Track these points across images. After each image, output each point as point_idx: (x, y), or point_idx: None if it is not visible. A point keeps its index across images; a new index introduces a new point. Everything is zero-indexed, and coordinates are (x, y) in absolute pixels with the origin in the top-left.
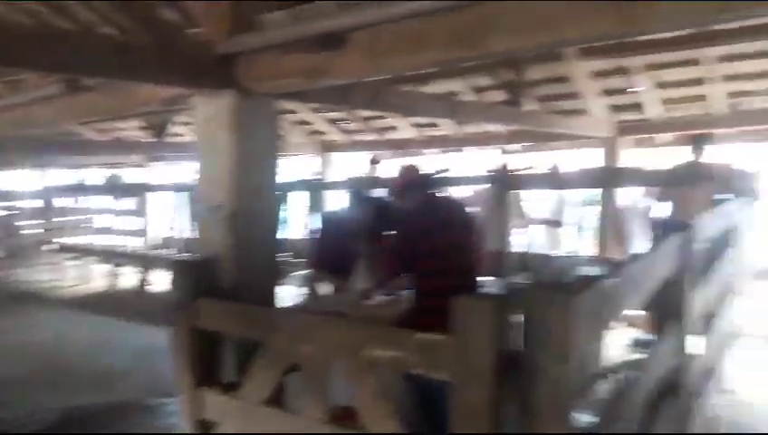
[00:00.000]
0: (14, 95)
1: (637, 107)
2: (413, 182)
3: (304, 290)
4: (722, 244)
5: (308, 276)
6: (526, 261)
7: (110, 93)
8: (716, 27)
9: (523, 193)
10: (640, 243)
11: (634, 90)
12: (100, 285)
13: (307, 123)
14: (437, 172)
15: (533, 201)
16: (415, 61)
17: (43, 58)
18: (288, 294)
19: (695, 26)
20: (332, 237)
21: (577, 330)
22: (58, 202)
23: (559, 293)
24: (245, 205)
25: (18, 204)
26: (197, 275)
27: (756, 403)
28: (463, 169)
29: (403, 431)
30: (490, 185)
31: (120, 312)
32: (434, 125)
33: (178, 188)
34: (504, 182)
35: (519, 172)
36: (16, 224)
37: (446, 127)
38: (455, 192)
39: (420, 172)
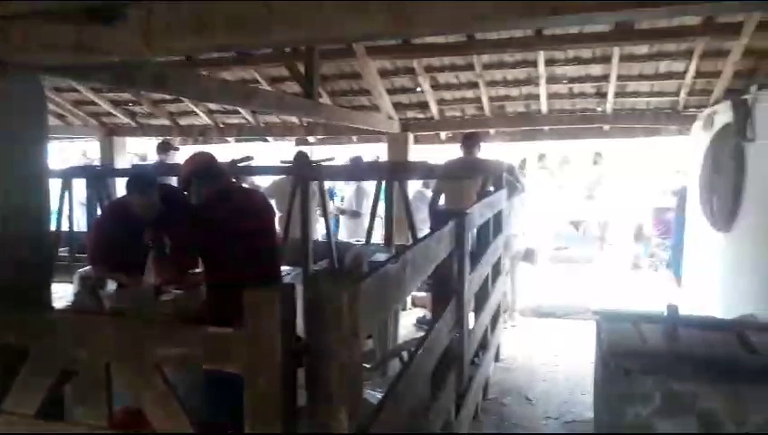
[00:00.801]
0: None
1: (420, 106)
2: (203, 170)
3: (84, 288)
4: (492, 230)
5: (88, 273)
6: (327, 249)
7: None
8: (484, 37)
9: (324, 183)
10: (424, 230)
11: (419, 89)
12: None
13: (90, 103)
14: (238, 160)
15: (335, 191)
16: (193, 43)
17: None
18: (66, 294)
19: (459, 32)
20: (116, 230)
21: (364, 313)
22: None
23: (345, 279)
24: (5, 194)
25: None
26: None
27: (521, 367)
28: (265, 158)
29: (193, 429)
30: (290, 175)
31: None
32: (233, 112)
33: None
34: (305, 173)
35: (319, 163)
36: None
37: (245, 115)
38: (256, 181)
39: (212, 160)
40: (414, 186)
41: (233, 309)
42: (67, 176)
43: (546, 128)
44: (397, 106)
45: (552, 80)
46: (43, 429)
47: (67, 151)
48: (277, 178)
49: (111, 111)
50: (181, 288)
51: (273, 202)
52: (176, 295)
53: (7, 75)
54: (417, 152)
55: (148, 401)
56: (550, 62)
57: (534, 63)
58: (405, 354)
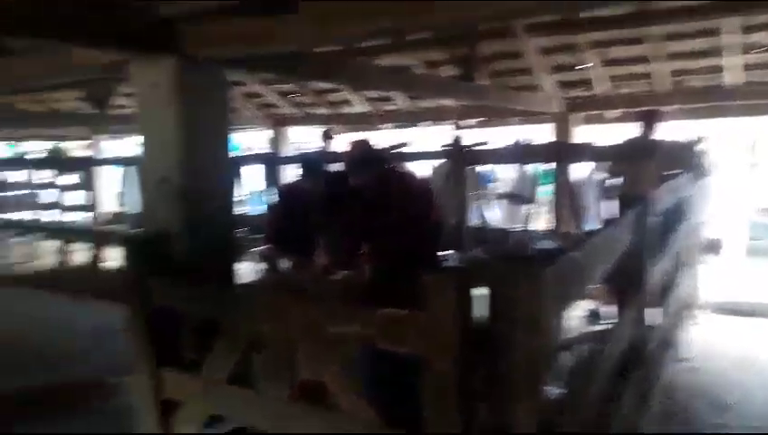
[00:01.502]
0: None
1: (586, 83)
2: (366, 156)
3: (263, 267)
4: (674, 217)
5: (265, 253)
6: (484, 235)
7: (38, 58)
8: (658, 7)
9: (482, 167)
10: (594, 217)
11: (582, 66)
12: (50, 262)
13: (258, 96)
14: (394, 147)
15: (495, 175)
16: (365, 29)
17: None
18: (247, 272)
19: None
20: (289, 212)
21: (546, 303)
22: None
23: (528, 266)
24: (195, 179)
25: None
26: (149, 252)
27: (709, 369)
28: (420, 143)
29: (370, 407)
30: (447, 160)
31: (73, 289)
32: (388, 99)
33: (127, 162)
34: (461, 157)
35: (475, 147)
36: None
37: (400, 101)
38: (412, 167)
39: (373, 146)
40: (583, 170)
41: (396, 290)
42: (242, 163)
43: (734, 103)
44: (560, 85)
45: (740, 49)
46: (234, 394)
47: (240, 139)
48: (438, 163)
49: (278, 102)
50: (348, 269)
51: (434, 185)
52: (343, 276)
53: (193, 68)
54: (584, 133)
55: (328, 376)
56: (737, 30)
57: (717, 32)
58: (578, 348)
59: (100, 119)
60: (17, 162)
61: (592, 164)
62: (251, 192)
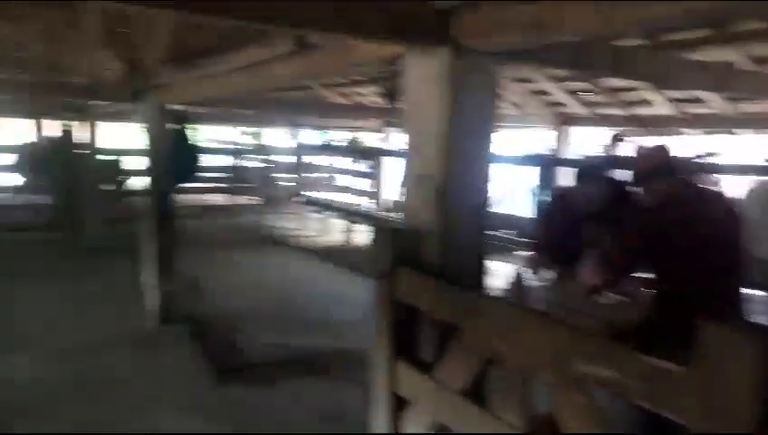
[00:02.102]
0: (247, 55)
1: None
2: (660, 166)
3: (522, 274)
4: None
5: (528, 260)
6: None
7: (332, 52)
8: None
9: None
10: None
11: None
12: (337, 239)
13: (545, 93)
14: (699, 157)
15: None
16: (659, 12)
17: (258, 9)
18: (503, 276)
19: None
20: (561, 219)
21: None
22: (307, 159)
23: None
24: (455, 176)
25: (274, 158)
26: (400, 245)
27: None
28: (734, 155)
29: None
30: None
31: (353, 266)
32: (698, 101)
33: None
34: None
35: None
36: (272, 176)
37: (713, 104)
38: (720, 183)
39: (670, 155)
40: None
41: (676, 332)
42: (519, 163)
43: None
44: None
45: None
46: (463, 408)
47: (516, 140)
48: (757, 180)
49: (567, 100)
50: (621, 293)
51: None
52: (615, 301)
53: (463, 60)
54: None
55: (566, 415)
56: None
57: None
58: None
59: (391, 112)
60: (323, 148)
61: None
62: (522, 194)
